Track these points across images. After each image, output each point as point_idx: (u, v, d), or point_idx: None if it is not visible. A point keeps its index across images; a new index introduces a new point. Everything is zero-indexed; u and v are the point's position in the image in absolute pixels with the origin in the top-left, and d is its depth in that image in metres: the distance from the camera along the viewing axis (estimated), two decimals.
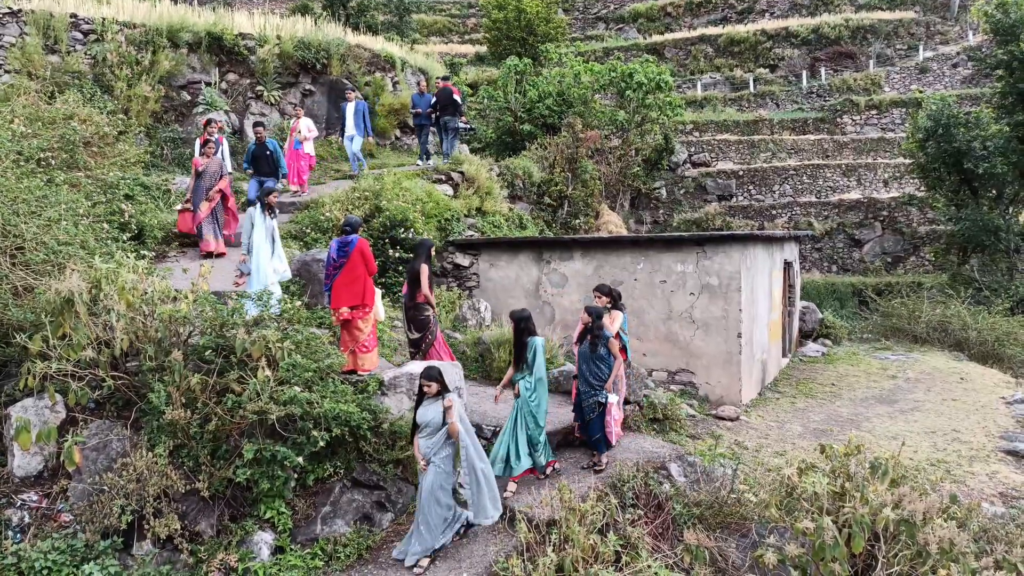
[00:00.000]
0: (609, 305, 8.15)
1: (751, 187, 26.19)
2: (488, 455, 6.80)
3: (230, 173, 12.05)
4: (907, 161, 23.88)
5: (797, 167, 26.53)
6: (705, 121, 29.27)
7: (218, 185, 10.34)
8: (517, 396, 7.09)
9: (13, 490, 6.09)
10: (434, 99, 15.01)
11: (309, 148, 13.91)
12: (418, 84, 16.05)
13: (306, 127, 13.77)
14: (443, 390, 6.18)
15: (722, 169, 26.63)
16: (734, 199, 25.95)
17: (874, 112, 29.55)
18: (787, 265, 14.26)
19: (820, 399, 11.42)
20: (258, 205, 8.61)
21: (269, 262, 8.42)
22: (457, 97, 15.16)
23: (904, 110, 28.85)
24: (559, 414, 8.60)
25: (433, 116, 15.07)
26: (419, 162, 15.22)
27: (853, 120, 29.71)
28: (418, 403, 6.25)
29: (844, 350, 15.55)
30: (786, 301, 14.25)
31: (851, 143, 28.27)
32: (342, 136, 15.02)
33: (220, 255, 10.23)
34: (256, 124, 11.63)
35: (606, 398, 7.36)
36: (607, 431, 7.49)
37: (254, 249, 8.40)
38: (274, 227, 8.73)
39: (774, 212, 24.95)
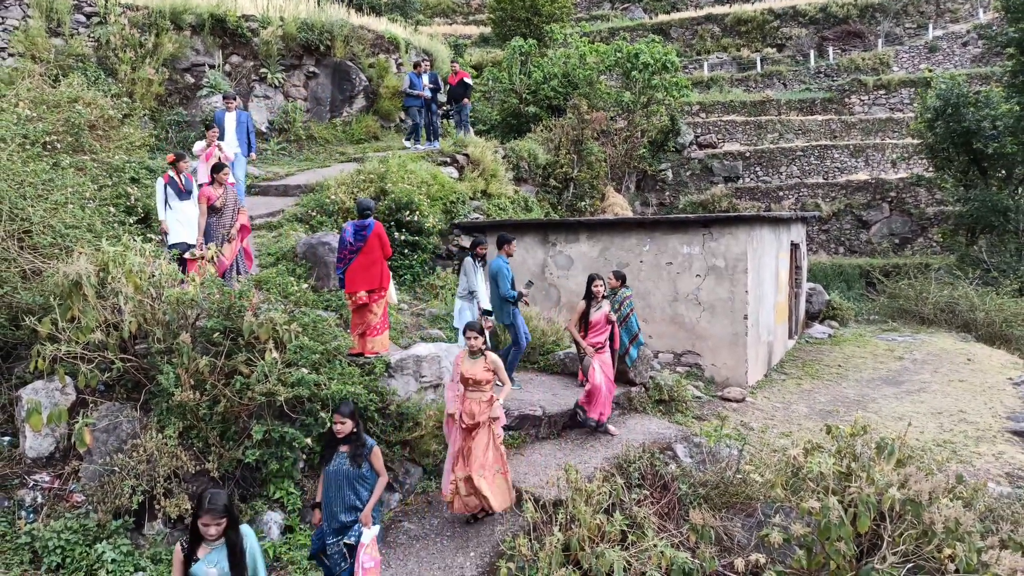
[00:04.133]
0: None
1: (758, 168, 26.02)
2: None
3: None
4: (915, 141, 23.66)
5: (804, 148, 26.33)
6: (712, 102, 29.03)
7: (240, 220, 8.55)
8: None
9: (26, 471, 6.16)
10: (459, 82, 15.07)
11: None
12: (416, 65, 15.42)
13: (231, 150, 10.87)
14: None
15: (729, 150, 26.45)
16: (741, 181, 25.80)
17: (882, 92, 29.24)
18: (794, 247, 14.20)
19: (826, 380, 11.42)
20: (470, 256, 9.02)
21: (487, 302, 8.99)
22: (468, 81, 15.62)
23: (913, 90, 28.54)
24: (566, 395, 8.64)
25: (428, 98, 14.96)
26: (417, 146, 15.03)
27: (861, 100, 29.43)
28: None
29: (851, 331, 15.53)
30: (793, 283, 14.20)
31: (859, 123, 28.01)
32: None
33: None
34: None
35: (358, 536, 5.05)
36: None
37: (478, 297, 8.97)
38: (485, 273, 9.13)
39: (781, 194, 24.81)
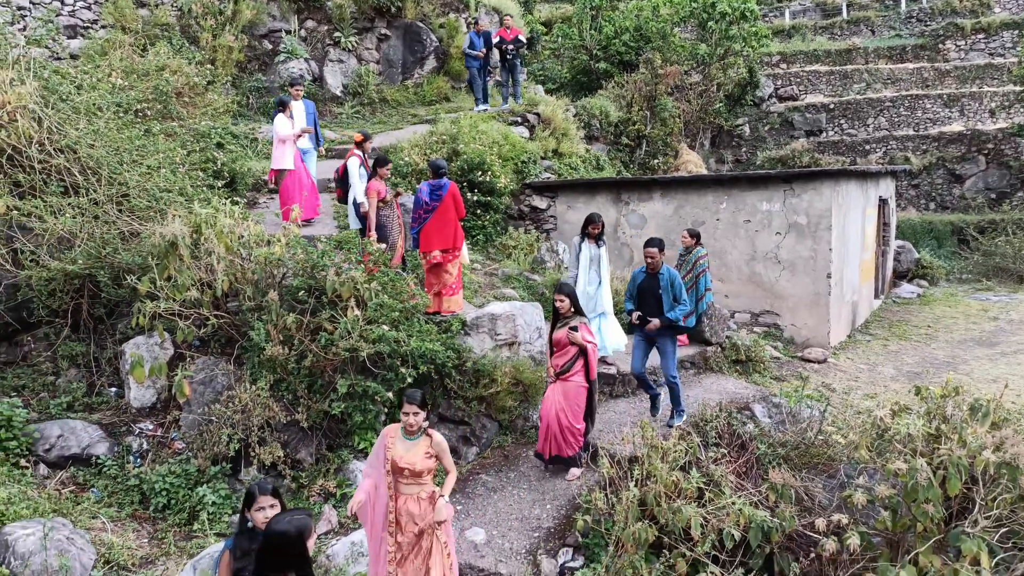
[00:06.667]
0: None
1: (842, 121, 24.77)
2: None
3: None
4: (1018, 88, 22.02)
5: (894, 98, 24.86)
6: (793, 52, 27.68)
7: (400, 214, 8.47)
8: None
9: (131, 419, 6.63)
10: (518, 38, 14.71)
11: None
12: (476, 23, 14.80)
13: (304, 142, 9.87)
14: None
15: (811, 103, 25.25)
16: (823, 134, 24.65)
17: (981, 36, 27.18)
18: (882, 202, 13.56)
19: (914, 341, 10.97)
20: (579, 235, 8.38)
21: (594, 295, 8.22)
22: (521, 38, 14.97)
23: (1016, 32, 26.43)
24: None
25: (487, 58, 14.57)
26: (483, 107, 14.61)
27: (957, 45, 27.45)
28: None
29: (941, 291, 14.82)
30: (880, 240, 13.61)
31: (954, 71, 26.21)
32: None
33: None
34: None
35: None
36: None
37: (579, 281, 8.26)
38: (601, 256, 8.32)
39: (867, 147, 23.60)
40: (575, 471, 6.58)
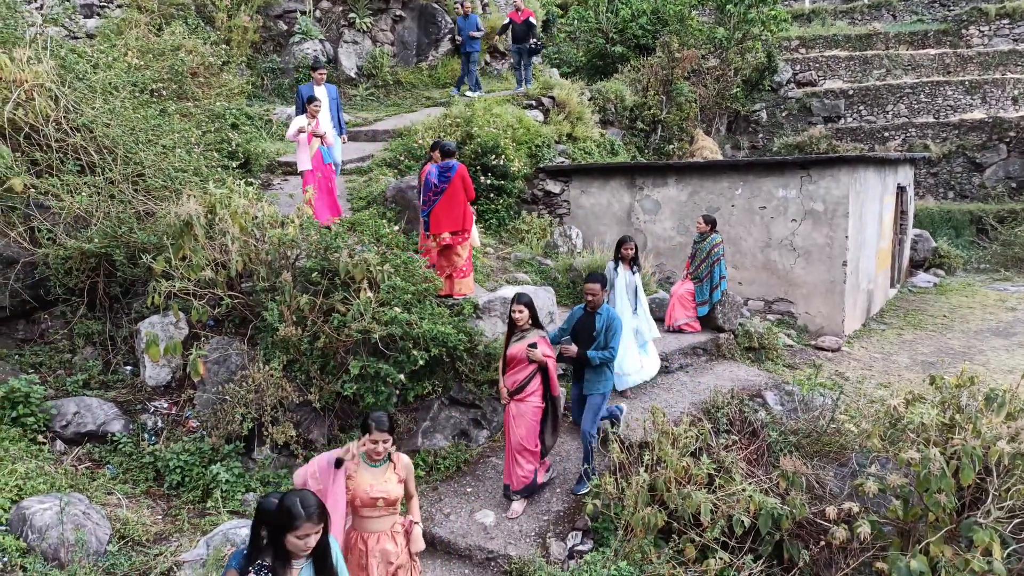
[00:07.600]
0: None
1: (861, 107, 24.44)
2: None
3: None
4: None
5: (914, 85, 24.50)
6: (812, 36, 27.30)
7: None
8: None
9: (146, 397, 6.70)
10: (529, 20, 14.60)
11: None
12: (461, 5, 14.58)
13: (328, 130, 9.02)
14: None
15: (830, 88, 24.92)
16: (842, 121, 24.35)
17: (1006, 21, 26.65)
18: (900, 190, 13.39)
19: (930, 331, 10.88)
20: (612, 261, 7.80)
21: (629, 322, 7.48)
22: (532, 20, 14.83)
23: None
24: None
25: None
26: (467, 94, 14.38)
27: (980, 31, 26.93)
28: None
29: (958, 281, 14.66)
30: (897, 228, 13.45)
31: (977, 57, 25.75)
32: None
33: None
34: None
35: None
36: None
37: (616, 307, 7.53)
38: (637, 283, 7.79)
39: (886, 134, 23.29)
40: (517, 507, 5.98)
